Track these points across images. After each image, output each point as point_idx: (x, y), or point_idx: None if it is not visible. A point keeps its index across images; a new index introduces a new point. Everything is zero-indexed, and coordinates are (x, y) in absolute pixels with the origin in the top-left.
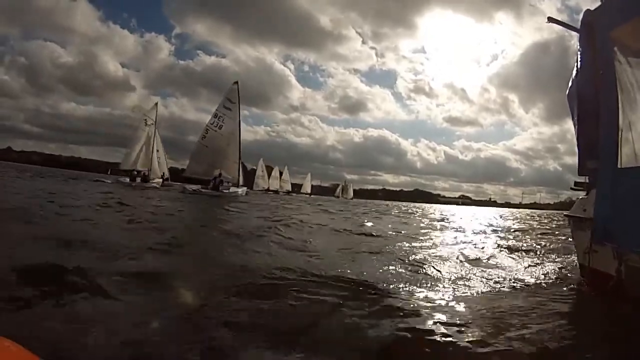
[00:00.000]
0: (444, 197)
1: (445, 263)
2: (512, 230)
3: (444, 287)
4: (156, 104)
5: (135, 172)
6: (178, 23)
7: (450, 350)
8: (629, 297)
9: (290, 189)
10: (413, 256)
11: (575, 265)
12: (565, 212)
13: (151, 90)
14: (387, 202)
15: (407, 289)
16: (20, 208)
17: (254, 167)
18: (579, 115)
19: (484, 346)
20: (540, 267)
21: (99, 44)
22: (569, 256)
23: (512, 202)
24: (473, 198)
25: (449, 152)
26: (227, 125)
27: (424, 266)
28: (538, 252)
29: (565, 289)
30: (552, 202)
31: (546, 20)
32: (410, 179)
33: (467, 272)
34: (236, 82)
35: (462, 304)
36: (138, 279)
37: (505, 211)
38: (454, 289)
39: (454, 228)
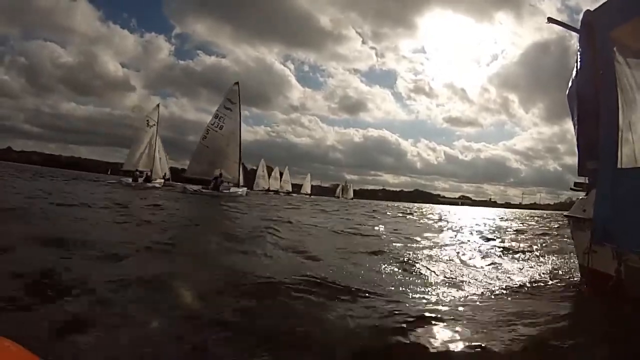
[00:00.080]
0: (444, 197)
1: (441, 264)
2: (511, 230)
3: (439, 288)
4: (158, 105)
5: (138, 173)
6: (178, 23)
7: (449, 352)
8: (628, 297)
9: (291, 190)
10: (410, 257)
11: (575, 265)
12: (565, 213)
13: (151, 90)
14: (387, 203)
15: (403, 290)
16: (20, 208)
17: (254, 167)
18: (578, 116)
19: (483, 347)
20: (539, 267)
21: (99, 44)
22: (568, 257)
23: (512, 202)
24: (473, 198)
25: (449, 152)
26: (227, 126)
27: (419, 267)
28: (537, 253)
29: (564, 289)
30: (552, 203)
31: (546, 20)
32: (410, 179)
33: (464, 273)
34: (237, 83)
35: (460, 305)
36: (135, 279)
37: (505, 211)
38: (451, 290)
39: (451, 228)
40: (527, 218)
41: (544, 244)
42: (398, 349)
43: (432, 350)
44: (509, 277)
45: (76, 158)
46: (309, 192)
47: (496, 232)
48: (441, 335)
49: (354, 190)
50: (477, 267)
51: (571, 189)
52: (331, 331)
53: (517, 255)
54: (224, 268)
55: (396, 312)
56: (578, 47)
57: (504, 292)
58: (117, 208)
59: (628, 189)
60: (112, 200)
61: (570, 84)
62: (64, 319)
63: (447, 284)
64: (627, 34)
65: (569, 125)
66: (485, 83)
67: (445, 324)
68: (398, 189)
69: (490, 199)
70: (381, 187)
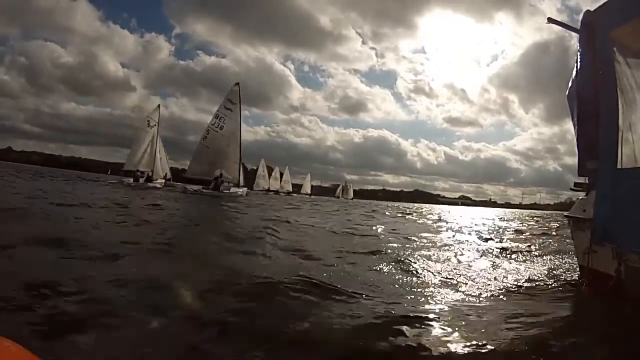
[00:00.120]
0: (444, 197)
1: (439, 264)
2: (510, 230)
3: (437, 289)
4: (159, 105)
5: (139, 173)
6: (178, 23)
7: (448, 352)
8: (628, 297)
9: (291, 190)
10: (407, 258)
11: (575, 265)
12: (565, 213)
13: (151, 91)
14: (387, 203)
15: (400, 291)
16: (20, 208)
17: (254, 168)
18: (578, 116)
19: (482, 347)
20: (538, 267)
21: (99, 44)
22: (568, 257)
23: (512, 202)
24: (473, 198)
25: (449, 152)
26: (227, 126)
27: (417, 268)
28: (536, 253)
29: (564, 289)
30: (552, 203)
31: (546, 21)
32: (410, 180)
33: (463, 273)
34: (237, 84)
35: (458, 306)
36: (135, 279)
37: (505, 212)
38: (449, 290)
39: (450, 229)
40: (527, 218)
41: (543, 244)
42: (395, 349)
43: (430, 351)
44: (508, 278)
45: (76, 158)
46: (309, 192)
47: (495, 232)
48: (440, 335)
49: (354, 191)
50: (475, 268)
51: (571, 189)
52: (329, 331)
53: (516, 256)
54: (223, 268)
55: (394, 312)
56: (578, 48)
57: (503, 292)
58: (118, 208)
59: (628, 189)
60: (114, 200)
61: (570, 84)
62: (63, 319)
63: (445, 285)
64: (627, 35)
65: (569, 126)
66: (485, 83)
67: (443, 324)
68: (398, 189)
69: (490, 199)
70: (381, 187)
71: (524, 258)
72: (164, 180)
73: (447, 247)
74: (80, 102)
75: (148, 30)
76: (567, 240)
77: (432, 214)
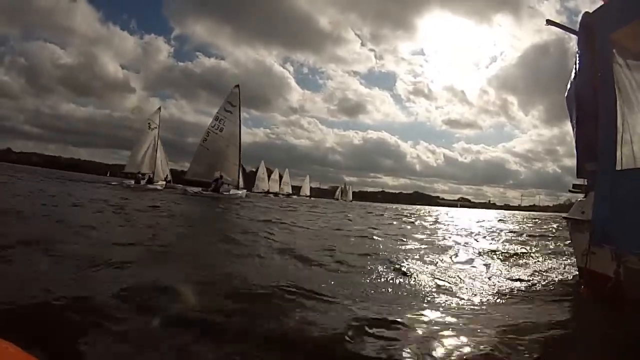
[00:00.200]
0: (443, 199)
1: (436, 267)
2: (509, 232)
3: (433, 293)
4: (159, 108)
5: (140, 175)
6: (177, 24)
7: (446, 356)
8: (627, 298)
9: (291, 192)
10: (402, 261)
11: (574, 267)
12: (563, 215)
13: (151, 92)
14: (386, 205)
15: (394, 296)
16: (22, 210)
17: (253, 169)
18: (577, 118)
19: (480, 350)
20: (537, 269)
21: (98, 45)
22: (566, 258)
23: (511, 204)
24: (472, 200)
25: (448, 154)
26: (227, 128)
27: (411, 271)
28: (535, 255)
29: (562, 290)
30: (551, 205)
31: (545, 23)
32: (409, 182)
33: (459, 276)
34: (237, 86)
35: (454, 310)
36: (131, 283)
37: (505, 213)
38: (445, 294)
39: (447, 230)
40: (526, 220)
41: (541, 246)
42: (381, 355)
43: (426, 355)
44: (506, 279)
45: (76, 160)
46: (308, 194)
47: (494, 234)
48: (437, 337)
49: (354, 192)
50: (473, 270)
51: (570, 190)
52: (322, 336)
53: (514, 258)
54: (215, 271)
55: (387, 318)
56: (577, 49)
57: (501, 294)
58: (121, 210)
59: (627, 190)
60: (116, 201)
61: (569, 86)
62: (60, 319)
63: (440, 288)
64: (627, 37)
65: (568, 127)
66: (484, 85)
67: (441, 327)
68: (397, 191)
69: (489, 200)
70: (380, 189)
71: (522, 260)
72: (164, 182)
73: (443, 250)
74: (80, 103)
75: (148, 32)
76: (566, 242)
77: (430, 216)
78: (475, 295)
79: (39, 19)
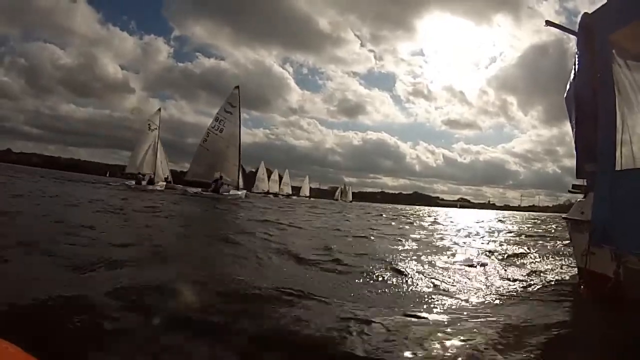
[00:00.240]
0: (442, 200)
1: (434, 267)
2: (508, 233)
3: (430, 293)
4: (159, 109)
5: (141, 176)
6: (177, 25)
7: (444, 357)
8: (627, 299)
9: (291, 192)
10: (399, 261)
11: (573, 267)
12: (563, 215)
13: (150, 93)
14: (386, 205)
15: (390, 296)
16: (20, 211)
17: (252, 170)
18: (577, 118)
19: (479, 351)
20: (537, 269)
21: (98, 45)
22: (566, 259)
23: (511, 204)
24: (472, 201)
25: (448, 154)
26: (227, 129)
27: (407, 271)
28: (534, 255)
29: (562, 291)
30: (551, 205)
31: (544, 23)
32: (409, 182)
33: (457, 276)
34: (237, 87)
35: (451, 311)
36: (128, 283)
37: (504, 214)
38: (441, 296)
39: (446, 231)
40: (526, 220)
41: (541, 246)
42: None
43: (424, 357)
44: (505, 280)
45: (75, 160)
46: (308, 194)
47: (492, 234)
48: (435, 339)
49: (353, 193)
50: (471, 270)
51: (569, 191)
52: (315, 336)
53: (513, 258)
54: (216, 271)
55: (383, 317)
56: (576, 50)
57: (500, 294)
58: (119, 209)
59: (626, 190)
60: (116, 201)
61: (568, 86)
62: (60, 320)
63: (439, 288)
64: (626, 37)
65: (568, 128)
66: (483, 85)
67: (439, 326)
68: (397, 192)
69: (489, 201)
70: (380, 190)
71: (521, 260)
72: (165, 183)
73: (440, 250)
74: (80, 103)
75: (147, 33)
76: (566, 242)
77: (429, 216)
78: (473, 295)
79: (39, 19)
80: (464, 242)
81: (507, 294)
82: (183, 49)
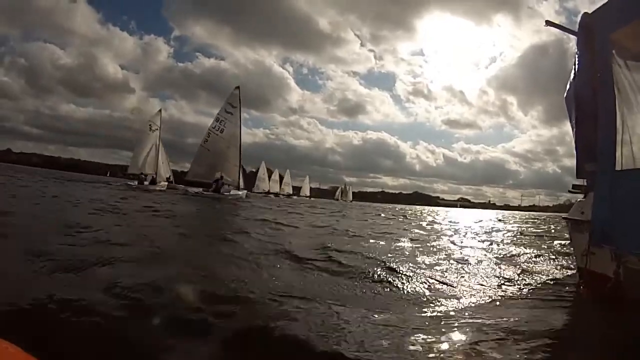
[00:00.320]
0: (443, 199)
1: (431, 267)
2: (508, 232)
3: (427, 293)
4: (160, 110)
5: (143, 176)
6: (177, 25)
7: (444, 355)
8: (627, 299)
9: (292, 192)
10: (396, 261)
11: (574, 267)
12: (563, 215)
13: (150, 93)
14: (386, 205)
15: (386, 296)
16: (20, 211)
17: (253, 170)
18: (577, 118)
19: (478, 350)
20: (536, 269)
21: (98, 45)
22: (566, 258)
23: (511, 204)
24: (472, 200)
25: (448, 154)
26: (228, 129)
27: (404, 272)
28: (535, 254)
29: (562, 291)
30: (551, 205)
31: (544, 23)
32: (409, 182)
33: (456, 276)
34: (237, 87)
35: (450, 308)
36: (125, 284)
37: (504, 213)
38: (439, 296)
39: (445, 230)
40: (526, 220)
41: (541, 246)
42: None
43: (421, 358)
44: (504, 279)
45: (75, 160)
46: (308, 194)
47: (491, 234)
48: (433, 338)
49: (353, 193)
50: (469, 270)
51: (569, 191)
52: (310, 339)
53: (512, 257)
54: (212, 271)
55: (376, 318)
56: (576, 50)
57: (500, 293)
58: (120, 209)
59: (626, 190)
60: (119, 201)
61: (568, 86)
62: (59, 319)
63: (436, 289)
64: (626, 37)
65: (568, 128)
66: (483, 85)
67: (436, 326)
68: (397, 191)
69: (489, 201)
70: (380, 190)
71: (520, 259)
72: (166, 183)
73: (438, 250)
74: (80, 103)
75: (147, 33)
76: (565, 242)
77: (429, 215)
78: (471, 295)
79: (39, 20)
80: (462, 242)
81: (506, 293)
82: (183, 49)
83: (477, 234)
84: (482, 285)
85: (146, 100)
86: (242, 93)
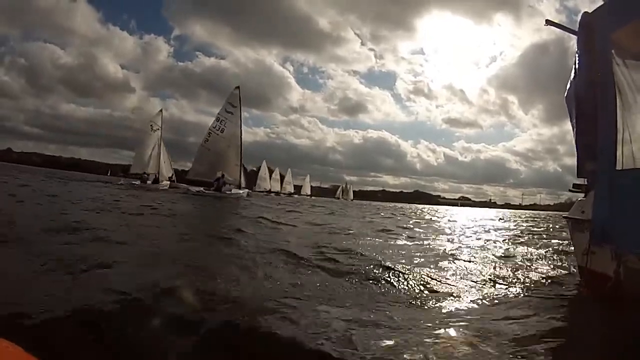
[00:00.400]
0: (444, 198)
1: (430, 267)
2: (508, 231)
3: (425, 293)
4: (161, 110)
5: (146, 175)
6: (177, 25)
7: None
8: (627, 298)
9: (293, 191)
10: (393, 260)
11: (574, 266)
12: (564, 214)
13: (151, 92)
14: (387, 204)
15: (383, 296)
16: (20, 211)
17: (254, 169)
18: (577, 118)
19: (477, 349)
20: (537, 267)
21: (98, 45)
22: (566, 257)
23: (512, 203)
24: (473, 199)
25: (449, 153)
26: (228, 129)
27: (401, 271)
28: (535, 253)
29: (563, 290)
30: (552, 203)
31: (544, 23)
32: (410, 180)
33: (454, 275)
34: (237, 87)
35: (448, 308)
36: (128, 280)
37: (505, 212)
38: (437, 295)
39: (445, 229)
40: (527, 219)
41: (541, 245)
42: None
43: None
44: (504, 278)
45: (76, 159)
46: (309, 193)
47: (492, 233)
48: (431, 336)
49: (354, 192)
50: (467, 269)
51: (570, 190)
52: (300, 338)
53: (514, 256)
54: (209, 271)
55: (372, 318)
56: (576, 49)
57: (499, 292)
58: (119, 208)
59: (627, 190)
60: (122, 199)
61: (568, 85)
62: (59, 319)
63: (433, 288)
64: (626, 36)
65: (569, 126)
66: (484, 84)
67: (434, 326)
68: (398, 190)
69: (490, 199)
70: (381, 188)
71: (520, 258)
72: (168, 182)
73: (437, 248)
74: (80, 103)
75: (147, 32)
76: (566, 241)
77: (429, 214)
78: (468, 294)
79: (39, 19)
80: (460, 240)
81: (506, 292)
82: (183, 48)
83: (475, 233)
84: (480, 284)
85: (147, 100)
86: (242, 92)
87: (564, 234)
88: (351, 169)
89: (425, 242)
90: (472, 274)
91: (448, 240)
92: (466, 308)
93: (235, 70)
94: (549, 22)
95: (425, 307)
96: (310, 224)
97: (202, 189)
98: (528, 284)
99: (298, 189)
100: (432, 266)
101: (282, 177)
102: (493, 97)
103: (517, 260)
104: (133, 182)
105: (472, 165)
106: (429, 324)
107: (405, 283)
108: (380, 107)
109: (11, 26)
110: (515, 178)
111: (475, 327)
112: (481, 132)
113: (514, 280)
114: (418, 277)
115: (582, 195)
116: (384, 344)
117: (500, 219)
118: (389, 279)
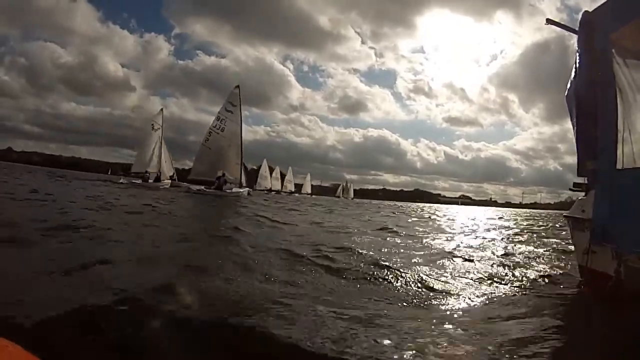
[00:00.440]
0: (444, 197)
1: (429, 266)
2: (508, 229)
3: (423, 292)
4: (162, 109)
5: (148, 174)
6: (177, 23)
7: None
8: (628, 297)
9: (294, 189)
10: (392, 258)
11: (574, 265)
12: (564, 213)
13: (151, 91)
14: (387, 202)
15: (380, 296)
16: (20, 211)
17: (254, 167)
18: (577, 116)
19: (477, 349)
20: (537, 267)
21: (98, 44)
22: (566, 256)
23: (512, 202)
24: (473, 198)
25: (449, 152)
26: (229, 128)
27: (398, 270)
28: (535, 252)
29: (563, 289)
30: (552, 202)
31: (545, 22)
32: (410, 179)
33: (453, 275)
34: (237, 86)
35: (446, 308)
36: (128, 279)
37: (505, 211)
38: (435, 295)
39: (445, 227)
40: (527, 217)
41: (541, 244)
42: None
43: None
44: (504, 278)
45: (76, 158)
46: (310, 191)
47: (491, 231)
48: (429, 336)
49: (355, 190)
50: (466, 268)
51: (570, 189)
52: (296, 338)
53: (514, 255)
54: (206, 271)
55: (368, 317)
56: (577, 48)
57: (499, 291)
58: (118, 207)
59: (627, 189)
60: (122, 198)
61: (569, 85)
62: (59, 319)
63: (431, 287)
64: (627, 36)
65: (569, 125)
66: (484, 83)
67: (432, 325)
68: (398, 189)
69: (490, 198)
70: (381, 187)
71: (519, 258)
72: (170, 181)
73: (435, 247)
74: (81, 102)
75: (147, 31)
76: (566, 241)
77: (429, 212)
78: (467, 293)
79: (39, 19)
80: (459, 239)
81: (505, 291)
82: (183, 47)
83: (475, 231)
84: (479, 282)
85: (147, 99)
86: (242, 90)
87: (564, 232)
88: (351, 168)
89: (425, 241)
90: (471, 273)
91: (447, 239)
92: (465, 307)
93: (236, 69)
94: (549, 21)
95: (424, 306)
96: (311, 222)
97: (202, 187)
98: (527, 283)
99: (299, 187)
100: (431, 265)
101: (282, 176)
102: (493, 95)
103: (516, 259)
104: (134, 181)
105: (473, 163)
106: (428, 323)
107: (404, 282)
108: (381, 105)
109: (11, 26)
110: (515, 177)
111: (474, 326)
112: (481, 130)
113: (513, 279)
114: (417, 275)
115: (583, 194)
116: (382, 343)
117: (500, 217)
118: (387, 278)
